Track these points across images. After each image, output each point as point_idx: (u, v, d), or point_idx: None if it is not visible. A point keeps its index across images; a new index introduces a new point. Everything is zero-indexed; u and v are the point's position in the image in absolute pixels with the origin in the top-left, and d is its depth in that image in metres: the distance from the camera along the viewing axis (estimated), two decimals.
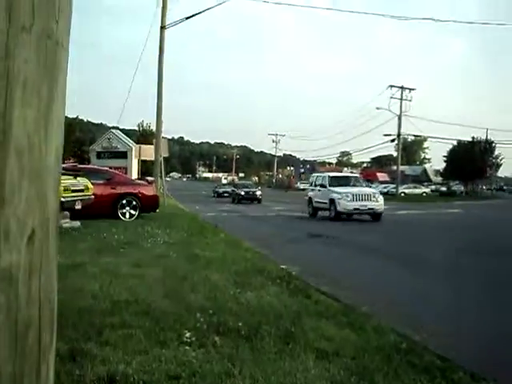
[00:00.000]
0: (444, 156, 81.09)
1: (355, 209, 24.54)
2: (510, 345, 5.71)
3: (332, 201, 25.08)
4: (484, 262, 11.96)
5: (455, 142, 75.40)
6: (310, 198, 28.53)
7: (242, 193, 47.46)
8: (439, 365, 4.55)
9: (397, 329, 5.63)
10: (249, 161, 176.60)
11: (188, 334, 4.86)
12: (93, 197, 15.59)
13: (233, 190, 52.22)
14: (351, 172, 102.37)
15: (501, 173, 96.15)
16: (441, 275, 10.25)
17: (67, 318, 4.92)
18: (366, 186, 29.88)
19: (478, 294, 8.60)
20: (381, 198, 25.36)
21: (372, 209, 24.78)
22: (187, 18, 26.12)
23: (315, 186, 28.82)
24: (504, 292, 8.75)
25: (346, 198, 24.45)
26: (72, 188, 13.86)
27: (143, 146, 35.26)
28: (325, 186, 26.89)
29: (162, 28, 26.73)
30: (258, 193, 47.46)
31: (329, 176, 28.72)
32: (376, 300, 7.38)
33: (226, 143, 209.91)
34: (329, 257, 12.99)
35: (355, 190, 25.43)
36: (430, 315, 7.03)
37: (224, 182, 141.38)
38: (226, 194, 58.79)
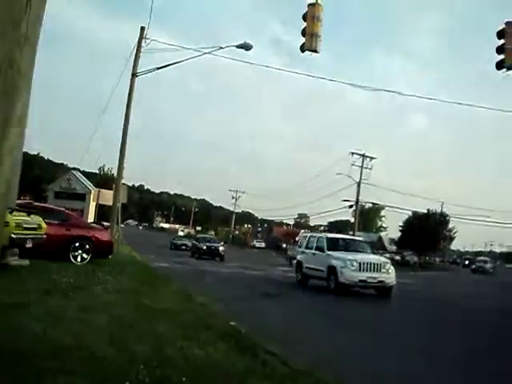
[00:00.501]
0: (400, 225, 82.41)
1: (361, 281, 19.44)
2: None
3: (332, 269, 19.96)
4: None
5: (411, 213, 76.85)
6: (299, 263, 24.02)
7: (204, 247, 44.10)
8: None
9: None
10: (207, 214, 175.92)
11: None
12: (45, 236, 15.22)
13: (193, 244, 49.05)
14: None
15: (453, 246, 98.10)
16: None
17: (2, 360, 4.72)
18: (373, 253, 24.24)
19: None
20: (392, 270, 20.45)
21: (382, 281, 19.66)
22: (158, 69, 26.34)
23: (307, 248, 23.96)
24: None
25: (351, 266, 19.44)
26: (24, 225, 13.53)
27: (102, 191, 34.89)
28: (321, 250, 21.86)
29: (133, 75, 26.88)
30: (221, 248, 44.34)
31: (327, 237, 23.28)
32: None
33: (185, 195, 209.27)
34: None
35: (361, 256, 20.59)
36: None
37: (181, 233, 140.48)
38: (183, 247, 57.75)
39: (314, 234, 26.35)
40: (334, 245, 22.15)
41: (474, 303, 22.10)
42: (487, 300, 25.05)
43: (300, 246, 25.61)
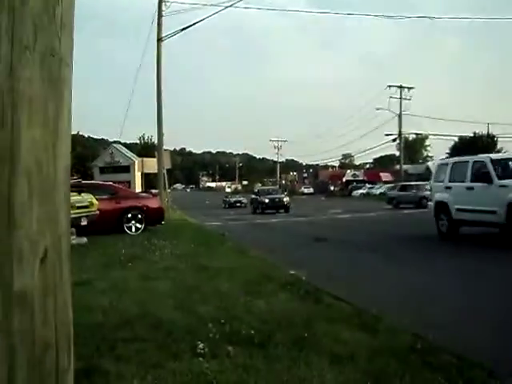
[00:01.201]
0: (447, 153, 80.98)
1: None
2: None
3: None
4: None
5: (457, 139, 75.36)
6: (443, 204, 16.50)
7: (266, 200, 40.42)
8: (455, 363, 4.51)
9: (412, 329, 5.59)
10: (251, 168, 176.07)
11: (201, 346, 4.84)
12: (98, 212, 15.58)
13: (253, 199, 44.67)
14: (354, 174, 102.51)
15: None
16: None
17: (78, 335, 4.89)
18: None
19: None
20: None
21: None
22: (183, 30, 26.21)
23: (453, 180, 16.44)
24: None
25: None
26: (77, 204, 13.86)
27: (146, 159, 35.26)
28: (486, 180, 14.21)
29: (159, 40, 26.81)
30: (286, 199, 41.02)
31: (493, 159, 15.14)
32: None
33: (227, 152, 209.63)
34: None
35: None
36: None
37: (228, 190, 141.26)
38: (238, 204, 55.11)
39: (464, 159, 17.14)
40: (504, 170, 14.72)
41: None
42: None
43: (438, 180, 17.66)
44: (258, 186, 71.11)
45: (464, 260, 11.99)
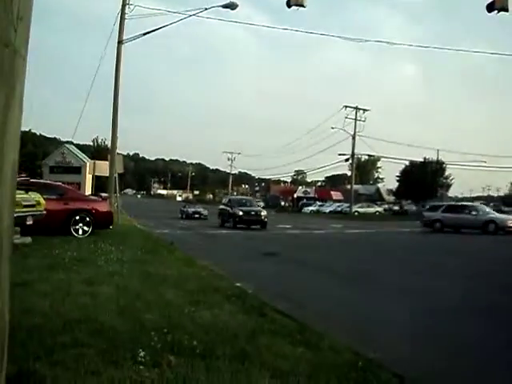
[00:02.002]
0: (397, 176, 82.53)
1: None
2: None
3: None
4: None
5: (407, 162, 76.95)
6: None
7: (240, 213, 34.10)
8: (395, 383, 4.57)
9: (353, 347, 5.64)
10: (204, 178, 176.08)
11: (142, 354, 4.77)
12: (44, 212, 15.24)
13: (223, 210, 37.74)
14: (305, 191, 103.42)
15: (451, 193, 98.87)
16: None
17: (14, 338, 4.76)
18: None
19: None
20: None
21: None
22: (144, 34, 26.05)
23: None
24: None
25: None
26: (23, 203, 13.52)
27: (98, 162, 34.81)
28: None
29: (119, 43, 26.56)
30: (263, 213, 34.95)
31: None
32: None
33: (181, 160, 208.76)
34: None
35: None
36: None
37: (179, 198, 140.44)
38: (197, 216, 49.42)
39: None
40: None
41: None
42: None
43: None
44: (231, 196, 68.97)
45: None
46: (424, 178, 70.39)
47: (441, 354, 6.01)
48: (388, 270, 14.51)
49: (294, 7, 16.14)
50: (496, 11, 14.96)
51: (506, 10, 14.86)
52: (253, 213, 34.53)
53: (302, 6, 16.18)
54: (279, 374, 4.62)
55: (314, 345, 5.62)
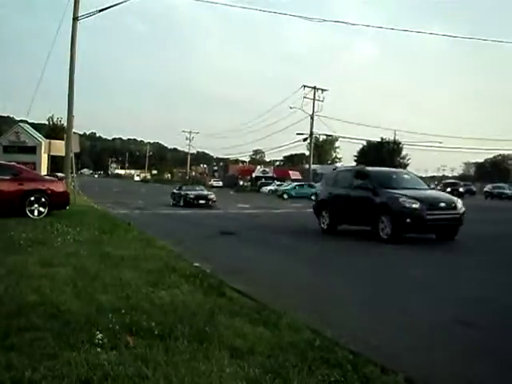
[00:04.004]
0: (354, 155, 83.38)
1: None
2: None
3: None
4: None
5: (365, 142, 77.79)
6: None
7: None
8: (351, 359, 4.64)
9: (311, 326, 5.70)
10: (162, 157, 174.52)
11: (100, 336, 4.73)
12: None
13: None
14: (264, 170, 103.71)
15: None
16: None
17: None
18: None
19: None
20: None
21: None
22: (101, 11, 25.54)
23: None
24: None
25: None
26: None
27: (53, 142, 34.12)
28: None
29: (75, 19, 26.00)
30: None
31: None
32: None
33: (138, 140, 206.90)
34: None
35: None
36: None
37: (137, 178, 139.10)
38: (202, 202, 36.56)
39: None
40: None
41: None
42: None
43: None
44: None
45: None
46: (381, 158, 71.27)
47: None
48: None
49: None
50: None
51: None
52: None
53: None
54: (238, 353, 4.64)
55: (272, 324, 5.66)
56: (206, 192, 39.27)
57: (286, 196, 57.90)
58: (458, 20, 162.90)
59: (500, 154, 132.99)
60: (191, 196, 36.86)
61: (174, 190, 40.36)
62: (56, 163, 39.45)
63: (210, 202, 36.77)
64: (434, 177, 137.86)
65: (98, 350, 4.46)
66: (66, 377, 3.86)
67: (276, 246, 14.94)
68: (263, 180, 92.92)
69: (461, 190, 63.62)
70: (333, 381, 4.13)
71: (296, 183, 67.36)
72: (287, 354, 4.67)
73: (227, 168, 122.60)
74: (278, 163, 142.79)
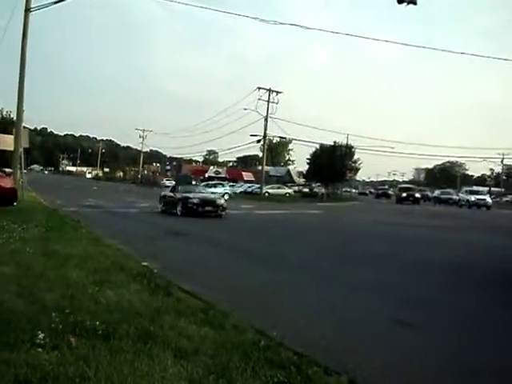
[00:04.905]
0: (307, 158, 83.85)
1: None
2: None
3: None
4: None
5: (318, 146, 78.30)
6: None
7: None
8: (295, 360, 4.68)
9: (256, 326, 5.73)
10: (115, 155, 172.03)
11: (41, 336, 4.65)
12: None
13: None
14: (217, 171, 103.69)
15: (359, 176, 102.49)
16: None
17: None
18: None
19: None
20: None
21: None
22: (55, 3, 25.02)
23: None
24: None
25: None
26: None
27: (2, 136, 33.21)
28: None
29: (27, 11, 25.45)
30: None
31: None
32: None
33: (91, 136, 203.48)
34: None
35: None
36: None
37: (88, 176, 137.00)
38: (209, 209, 26.48)
39: None
40: None
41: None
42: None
43: None
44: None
45: None
46: (333, 161, 71.87)
47: None
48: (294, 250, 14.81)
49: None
50: (405, 4, 15.52)
51: (415, 4, 15.50)
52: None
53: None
54: (182, 354, 4.64)
55: (218, 324, 5.67)
56: (212, 195, 29.83)
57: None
58: (410, 28, 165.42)
59: (449, 161, 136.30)
60: (194, 201, 26.14)
61: (166, 192, 30.06)
62: (5, 158, 38.42)
63: (220, 210, 26.54)
64: (384, 181, 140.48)
65: (39, 350, 4.40)
66: (3, 377, 3.79)
67: (224, 246, 14.95)
68: (216, 180, 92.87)
69: (417, 195, 64.38)
70: (276, 382, 4.17)
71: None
72: (231, 355, 4.69)
73: (180, 167, 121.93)
74: (231, 164, 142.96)
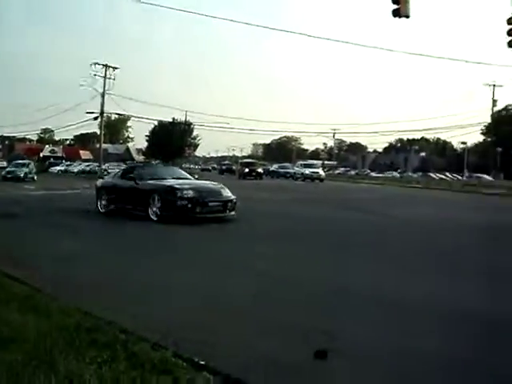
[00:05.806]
0: (146, 135, 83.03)
1: None
2: None
3: None
4: None
5: (157, 122, 77.87)
6: None
7: None
8: (122, 338, 4.62)
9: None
10: None
11: None
12: None
13: None
14: (52, 150, 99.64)
15: (198, 152, 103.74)
16: None
17: None
18: None
19: None
20: None
21: None
22: None
23: None
24: None
25: None
26: None
27: None
28: None
29: None
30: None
31: None
32: None
33: None
34: None
35: None
36: None
37: None
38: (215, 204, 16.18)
39: None
40: None
41: None
42: None
43: None
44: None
45: None
46: (172, 138, 71.89)
47: None
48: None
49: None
50: (398, 17, 17.13)
51: (408, 17, 17.16)
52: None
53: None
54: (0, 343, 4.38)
55: (43, 309, 5.43)
56: (212, 184, 18.05)
57: None
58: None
59: (285, 136, 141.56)
60: (188, 194, 15.53)
61: (112, 180, 19.07)
62: None
63: (228, 209, 16.25)
64: (225, 157, 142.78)
65: None
66: None
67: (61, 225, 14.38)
68: (52, 160, 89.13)
69: (259, 170, 62.00)
70: (100, 362, 4.07)
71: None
72: (56, 339, 4.51)
73: (12, 147, 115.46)
74: (68, 142, 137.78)
